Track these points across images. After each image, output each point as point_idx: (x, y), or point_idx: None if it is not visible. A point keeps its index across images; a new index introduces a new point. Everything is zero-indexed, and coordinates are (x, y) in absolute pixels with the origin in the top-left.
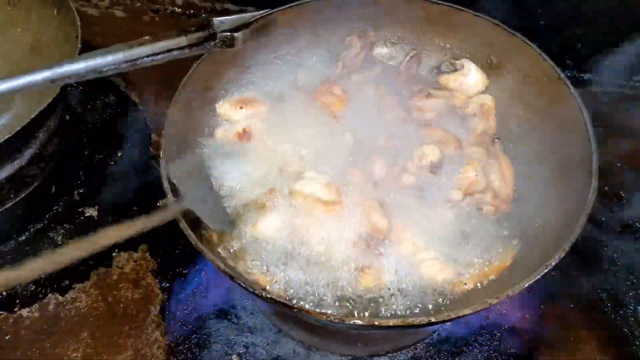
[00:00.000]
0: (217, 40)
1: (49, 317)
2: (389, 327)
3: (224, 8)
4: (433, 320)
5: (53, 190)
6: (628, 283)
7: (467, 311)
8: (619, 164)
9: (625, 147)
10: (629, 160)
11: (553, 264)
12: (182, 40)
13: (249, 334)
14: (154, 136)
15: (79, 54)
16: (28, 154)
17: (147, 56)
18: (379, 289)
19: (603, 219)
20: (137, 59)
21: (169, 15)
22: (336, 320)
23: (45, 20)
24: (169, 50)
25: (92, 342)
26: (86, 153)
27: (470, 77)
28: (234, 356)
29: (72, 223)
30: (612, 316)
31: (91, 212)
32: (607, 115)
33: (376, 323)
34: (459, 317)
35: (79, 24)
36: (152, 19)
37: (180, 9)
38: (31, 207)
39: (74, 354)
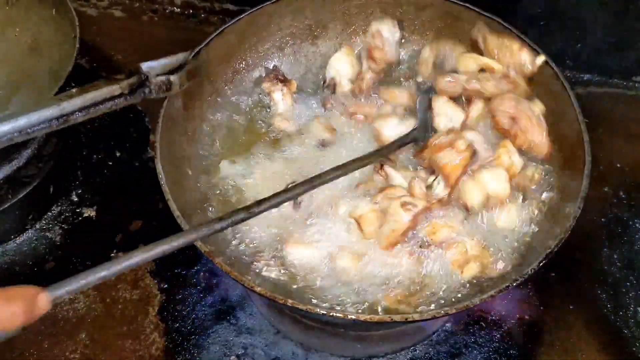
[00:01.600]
0: (153, 86)
1: (47, 318)
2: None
3: (222, 8)
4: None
5: (51, 190)
6: (628, 284)
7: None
8: (618, 165)
9: (625, 148)
10: (629, 160)
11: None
12: (115, 89)
13: (247, 335)
14: (152, 137)
15: (77, 54)
16: (26, 154)
17: (80, 110)
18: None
19: (603, 219)
20: (68, 115)
21: (168, 15)
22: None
23: (43, 20)
24: (102, 102)
25: (90, 344)
26: (85, 153)
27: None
28: (232, 357)
29: (70, 224)
30: (612, 317)
31: (90, 212)
32: (607, 116)
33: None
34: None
35: (77, 24)
36: (150, 19)
37: (179, 9)
38: (29, 208)
39: (72, 355)
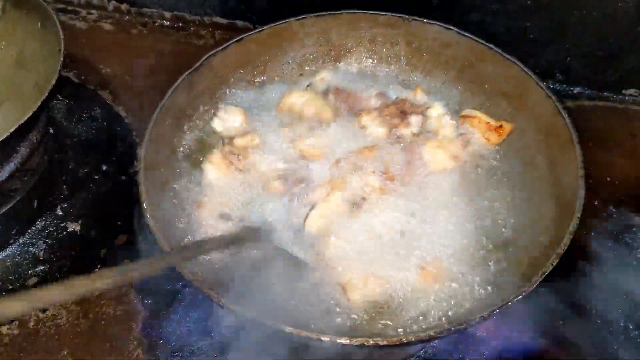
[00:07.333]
0: None
1: (29, 334)
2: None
3: (212, 21)
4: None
5: (35, 204)
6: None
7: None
8: (608, 178)
9: (615, 162)
10: (619, 174)
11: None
12: None
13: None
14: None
15: (63, 68)
16: (9, 167)
17: None
18: None
19: (592, 232)
20: None
21: (158, 28)
22: None
23: (29, 34)
24: None
25: None
26: (70, 167)
27: None
28: None
29: (54, 238)
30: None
31: (74, 227)
32: (598, 129)
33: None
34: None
35: (62, 37)
36: (140, 32)
37: (169, 22)
38: (13, 222)
39: None
